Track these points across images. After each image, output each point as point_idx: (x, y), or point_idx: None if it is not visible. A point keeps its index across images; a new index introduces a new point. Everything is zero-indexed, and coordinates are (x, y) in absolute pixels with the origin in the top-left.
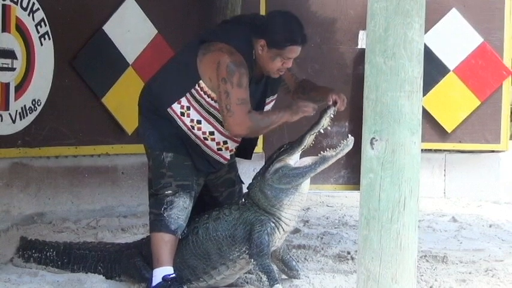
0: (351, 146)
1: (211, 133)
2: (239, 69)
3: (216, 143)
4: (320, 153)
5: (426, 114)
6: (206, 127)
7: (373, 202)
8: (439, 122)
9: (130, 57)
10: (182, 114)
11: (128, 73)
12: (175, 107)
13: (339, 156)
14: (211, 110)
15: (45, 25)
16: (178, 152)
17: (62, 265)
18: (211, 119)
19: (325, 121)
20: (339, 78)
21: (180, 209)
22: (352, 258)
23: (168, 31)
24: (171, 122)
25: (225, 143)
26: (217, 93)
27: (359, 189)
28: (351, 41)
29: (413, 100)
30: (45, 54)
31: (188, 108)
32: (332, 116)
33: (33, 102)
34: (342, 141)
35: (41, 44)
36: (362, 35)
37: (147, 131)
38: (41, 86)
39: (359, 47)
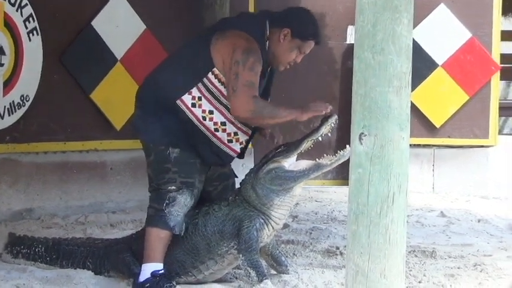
0: (347, 157)
1: (223, 123)
2: (254, 56)
3: (227, 134)
4: (316, 160)
5: (415, 110)
6: (218, 118)
7: (361, 197)
8: (428, 117)
9: (118, 53)
10: (193, 105)
11: (116, 68)
12: (186, 98)
13: (334, 165)
14: (222, 98)
15: (34, 21)
16: (184, 148)
17: (51, 261)
18: (223, 110)
19: (325, 129)
20: (328, 73)
21: (181, 206)
22: (341, 254)
23: (157, 26)
24: (178, 115)
25: (235, 134)
26: (227, 76)
27: (348, 184)
28: (339, 36)
29: (402, 95)
30: (33, 49)
31: (200, 99)
32: (333, 125)
33: (22, 98)
34: (338, 151)
35: (30, 40)
36: (351, 30)
37: (150, 125)
38: (29, 82)
39: (348, 42)
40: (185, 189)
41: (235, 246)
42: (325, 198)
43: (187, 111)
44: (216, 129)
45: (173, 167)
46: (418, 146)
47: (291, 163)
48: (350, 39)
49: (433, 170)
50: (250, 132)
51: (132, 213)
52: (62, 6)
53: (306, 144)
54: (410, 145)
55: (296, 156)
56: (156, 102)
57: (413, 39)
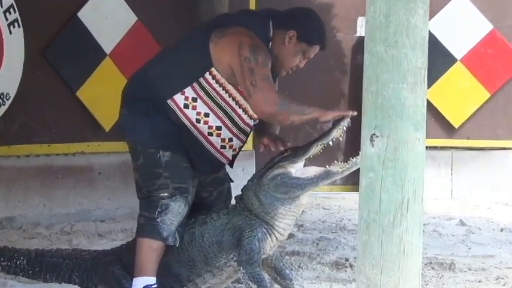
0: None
1: (218, 128)
2: (263, 52)
3: (221, 139)
4: (326, 167)
5: (431, 108)
6: (214, 121)
7: (373, 204)
8: (446, 117)
9: (107, 47)
10: (186, 106)
11: (105, 64)
12: (178, 98)
13: (345, 174)
14: (220, 101)
15: (15, 12)
16: (176, 151)
17: (34, 274)
18: (220, 113)
19: (337, 133)
20: (336, 68)
21: (175, 214)
22: (351, 266)
23: (149, 18)
24: (169, 116)
25: (230, 140)
26: (240, 75)
27: (358, 190)
28: (349, 28)
29: (417, 93)
30: (14, 43)
31: (194, 100)
32: (345, 128)
33: (2, 97)
34: (351, 158)
35: (10, 32)
36: (361, 21)
37: (138, 125)
38: (10, 79)
39: (358, 34)
40: (178, 195)
41: (235, 258)
42: (334, 206)
43: (179, 112)
44: (210, 133)
45: (165, 172)
46: (435, 148)
47: (298, 169)
48: (360, 31)
49: (451, 174)
50: (245, 139)
51: (122, 221)
52: None
53: (315, 149)
54: (426, 147)
55: (304, 161)
56: (146, 100)
57: (430, 32)
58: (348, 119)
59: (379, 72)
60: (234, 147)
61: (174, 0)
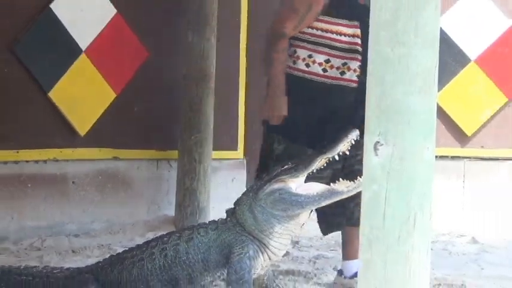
0: None
1: (327, 61)
2: None
3: (336, 68)
4: (330, 185)
5: (442, 114)
6: (319, 58)
7: (376, 219)
8: (457, 123)
9: (83, 42)
10: (293, 62)
11: (81, 61)
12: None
13: (352, 194)
14: (313, 39)
15: None
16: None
17: None
18: (320, 48)
19: (344, 147)
20: None
21: None
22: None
23: (130, 11)
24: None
25: (344, 64)
26: None
27: None
28: None
29: (427, 96)
30: None
31: (294, 52)
32: (353, 141)
33: None
34: (358, 177)
35: None
36: None
37: None
38: None
39: None
40: None
41: (222, 277)
42: None
43: (290, 70)
44: (324, 70)
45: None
46: (446, 157)
47: (299, 185)
48: None
49: (463, 187)
50: (359, 57)
51: (98, 236)
52: None
53: (319, 163)
54: (436, 157)
55: (305, 176)
56: None
57: (441, 29)
58: (357, 132)
59: (384, 74)
60: (351, 67)
61: None
